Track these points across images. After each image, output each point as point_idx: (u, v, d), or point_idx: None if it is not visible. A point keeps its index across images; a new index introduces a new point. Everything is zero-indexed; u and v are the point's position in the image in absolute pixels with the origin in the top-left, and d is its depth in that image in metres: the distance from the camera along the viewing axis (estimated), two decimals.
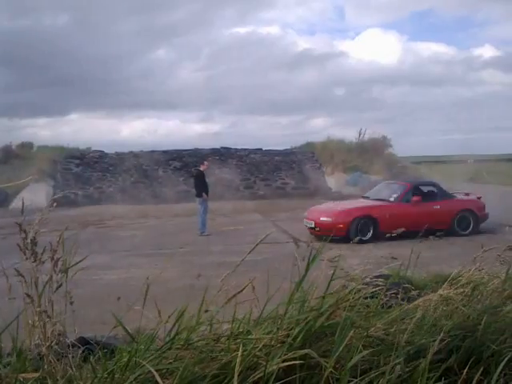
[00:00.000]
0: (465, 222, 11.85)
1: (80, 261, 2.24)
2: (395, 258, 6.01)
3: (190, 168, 24.78)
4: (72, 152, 26.10)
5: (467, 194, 12.76)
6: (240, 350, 1.46)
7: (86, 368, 2.15)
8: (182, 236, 12.33)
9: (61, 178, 23.92)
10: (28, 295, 2.02)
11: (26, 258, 2.17)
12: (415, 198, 11.58)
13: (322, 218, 11.39)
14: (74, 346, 2.38)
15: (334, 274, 2.12)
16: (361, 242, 10.00)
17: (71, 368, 2.06)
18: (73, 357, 2.19)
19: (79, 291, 2.19)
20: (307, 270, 1.90)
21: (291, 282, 2.20)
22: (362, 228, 11.09)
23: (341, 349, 1.59)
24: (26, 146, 26.73)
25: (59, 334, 2.31)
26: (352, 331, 1.65)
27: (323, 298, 1.84)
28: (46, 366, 2.01)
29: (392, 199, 11.92)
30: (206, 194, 12.82)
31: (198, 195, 12.78)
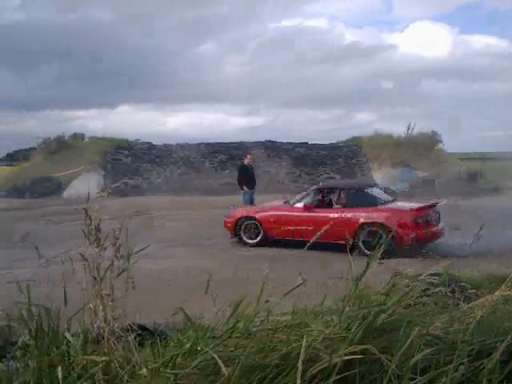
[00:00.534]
0: (375, 238, 8.55)
1: (142, 249, 2.31)
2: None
3: (235, 161, 24.99)
4: (121, 143, 26.75)
5: (433, 204, 9.72)
6: (303, 342, 1.47)
7: (143, 352, 2.22)
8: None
9: (111, 168, 24.59)
10: (95, 278, 2.10)
11: (90, 244, 2.26)
12: (312, 204, 9.93)
13: (226, 216, 10.94)
14: (131, 330, 2.46)
15: (391, 275, 2.10)
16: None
17: (130, 352, 2.11)
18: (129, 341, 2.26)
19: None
20: (368, 266, 1.89)
21: (341, 277, 2.20)
22: (248, 230, 10.35)
23: (405, 346, 1.58)
24: (78, 137, 27.60)
25: (115, 319, 2.40)
26: (416, 329, 1.63)
27: (387, 295, 1.82)
28: (105, 349, 2.09)
29: (292, 203, 10.40)
30: (248, 186, 12.91)
31: (241, 188, 12.93)
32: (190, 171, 24.66)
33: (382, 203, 9.66)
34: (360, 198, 9.74)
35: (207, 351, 1.54)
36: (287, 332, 1.69)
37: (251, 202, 12.82)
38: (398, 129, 33.43)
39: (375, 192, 10.17)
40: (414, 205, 9.73)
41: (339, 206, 9.92)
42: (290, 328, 1.71)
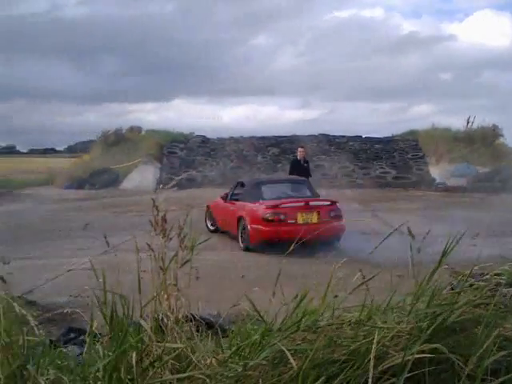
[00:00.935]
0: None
1: (206, 240, 2.34)
2: None
3: (288, 154, 24.93)
4: (177, 136, 27.27)
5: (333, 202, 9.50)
6: (375, 338, 1.45)
7: (205, 342, 2.26)
8: None
9: (167, 161, 25.14)
10: (161, 268, 2.15)
11: (156, 234, 2.32)
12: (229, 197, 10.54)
13: None
14: (192, 320, 2.51)
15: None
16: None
17: (193, 341, 2.14)
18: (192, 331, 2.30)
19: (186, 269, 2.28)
20: (440, 264, 1.84)
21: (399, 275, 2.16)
22: (209, 217, 11.26)
23: (484, 347, 1.53)
24: (135, 130, 28.33)
25: (179, 309, 2.45)
26: (496, 331, 1.57)
27: (458, 293, 1.77)
28: (169, 338, 2.14)
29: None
30: None
31: None
32: (242, 165, 24.81)
33: (266, 199, 9.44)
34: (249, 192, 9.99)
35: (275, 344, 1.55)
36: (355, 327, 1.67)
37: None
38: (458, 122, 32.26)
39: (267, 188, 10.07)
40: (277, 202, 9.19)
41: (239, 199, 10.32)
42: (358, 324, 1.70)
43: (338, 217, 9.10)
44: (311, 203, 9.18)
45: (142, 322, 1.69)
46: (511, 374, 1.60)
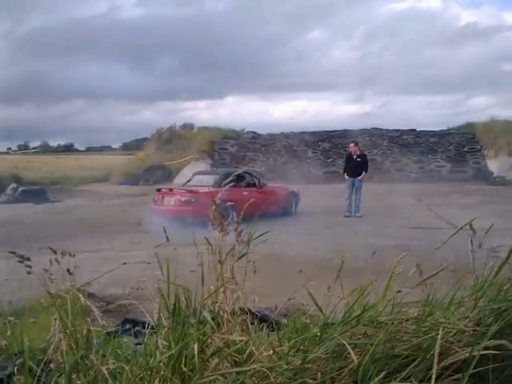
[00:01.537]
0: None
1: (263, 234, 2.36)
2: None
3: (339, 149, 24.69)
4: (228, 133, 27.56)
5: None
6: (440, 334, 1.42)
7: (260, 335, 2.28)
8: (329, 216, 12.35)
9: (218, 157, 25.45)
10: (220, 261, 2.18)
11: (214, 229, 2.36)
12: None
13: None
14: (248, 313, 2.53)
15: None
16: None
17: (248, 334, 2.17)
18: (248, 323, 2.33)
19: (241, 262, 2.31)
20: (507, 259, 1.78)
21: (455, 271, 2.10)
22: None
23: None
24: (188, 127, 28.87)
25: (234, 302, 2.48)
26: None
27: None
28: (224, 330, 2.17)
29: None
30: (348, 174, 12.98)
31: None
32: (293, 160, 24.76)
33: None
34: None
35: (335, 337, 1.55)
36: (417, 323, 1.65)
37: (352, 188, 12.65)
38: None
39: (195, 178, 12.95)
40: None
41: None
42: (420, 319, 1.67)
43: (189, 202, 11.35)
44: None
45: (206, 314, 1.73)
46: None
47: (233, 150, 26.08)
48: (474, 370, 1.48)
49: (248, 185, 12.48)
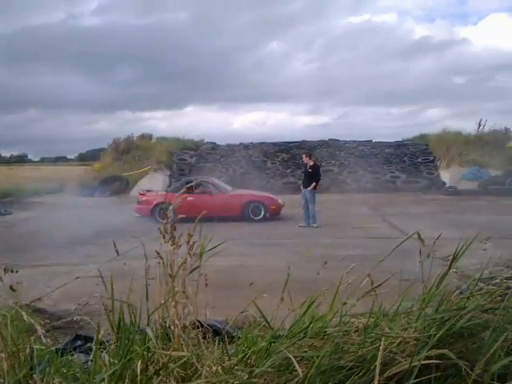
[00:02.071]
0: None
1: (216, 246, 2.35)
2: None
3: (297, 160, 24.93)
4: (187, 143, 27.42)
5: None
6: (382, 345, 1.44)
7: (211, 349, 2.26)
8: (289, 227, 12.47)
9: (176, 168, 25.24)
10: (170, 275, 2.15)
11: (165, 241, 2.33)
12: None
13: None
14: (200, 327, 2.50)
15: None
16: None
17: (199, 348, 2.14)
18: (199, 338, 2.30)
19: (194, 275, 2.29)
20: (449, 268, 1.83)
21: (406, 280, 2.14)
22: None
23: (491, 352, 1.51)
24: (146, 138, 28.53)
25: (186, 316, 2.45)
26: (503, 335, 1.55)
27: (468, 298, 1.76)
28: (176, 345, 2.14)
29: None
30: (302, 185, 13.12)
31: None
32: (252, 170, 24.86)
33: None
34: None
35: (282, 351, 1.55)
36: (363, 334, 1.67)
37: (305, 199, 12.79)
38: (469, 126, 32.13)
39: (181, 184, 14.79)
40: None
41: None
42: (365, 330, 1.69)
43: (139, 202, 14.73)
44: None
45: (148, 330, 1.69)
46: None
47: (192, 160, 25.94)
48: (416, 380, 1.50)
49: (202, 192, 14.25)
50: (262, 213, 14.02)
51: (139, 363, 1.55)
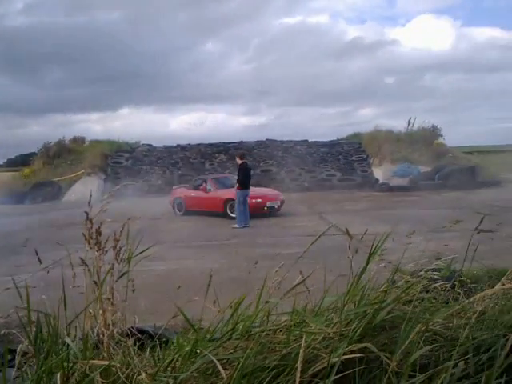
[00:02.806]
0: None
1: (143, 251, 2.30)
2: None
3: (235, 161, 24.98)
4: (122, 146, 26.78)
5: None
6: (303, 342, 1.47)
7: (143, 357, 2.21)
8: (229, 228, 12.48)
9: (111, 171, 24.59)
10: (95, 282, 2.09)
11: (91, 248, 2.25)
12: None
13: None
14: (131, 334, 2.45)
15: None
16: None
17: (129, 356, 2.10)
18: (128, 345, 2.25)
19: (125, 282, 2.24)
20: (368, 263, 1.89)
21: (343, 275, 2.20)
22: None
23: (406, 344, 1.57)
24: (78, 141, 27.59)
25: (114, 323, 2.38)
26: (418, 326, 1.62)
27: (385, 292, 1.82)
28: (105, 354, 2.08)
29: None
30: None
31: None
32: (190, 172, 24.64)
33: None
34: None
35: (206, 354, 1.54)
36: (287, 332, 1.69)
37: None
38: (400, 124, 33.45)
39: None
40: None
41: None
42: (289, 328, 1.71)
43: None
44: None
45: (67, 340, 1.63)
46: (437, 368, 1.65)
47: (127, 163, 25.37)
48: (340, 375, 1.54)
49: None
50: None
51: (59, 375, 1.49)
